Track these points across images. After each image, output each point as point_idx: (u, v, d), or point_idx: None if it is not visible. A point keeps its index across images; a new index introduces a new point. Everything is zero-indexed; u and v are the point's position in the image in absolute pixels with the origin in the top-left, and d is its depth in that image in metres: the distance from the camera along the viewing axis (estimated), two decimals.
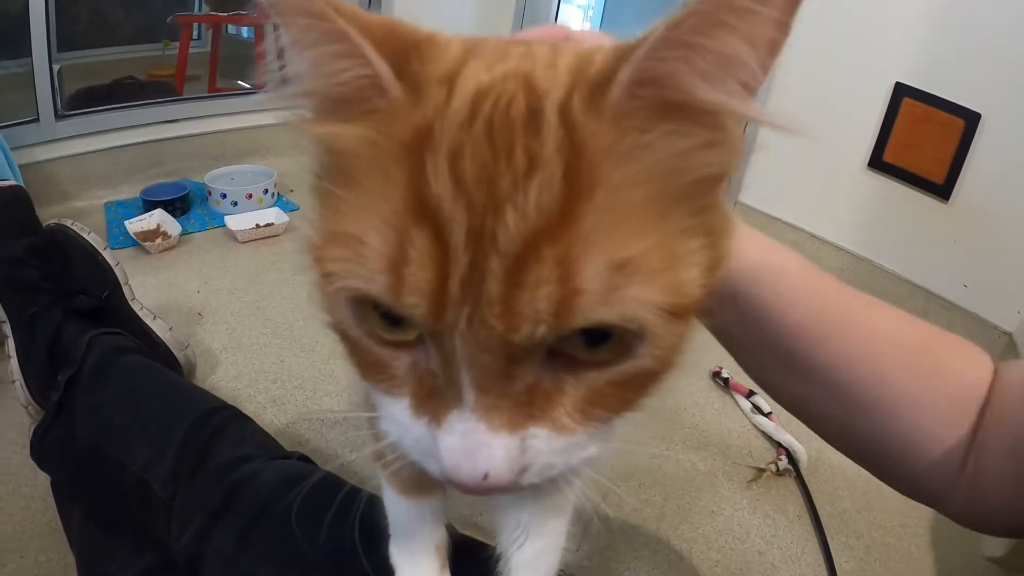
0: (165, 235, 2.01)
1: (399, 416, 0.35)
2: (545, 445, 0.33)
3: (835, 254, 2.31)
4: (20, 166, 1.74)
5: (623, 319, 0.29)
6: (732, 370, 1.70)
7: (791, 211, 2.36)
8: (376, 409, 0.54)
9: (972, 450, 0.57)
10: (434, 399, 0.33)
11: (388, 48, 0.31)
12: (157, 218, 2.07)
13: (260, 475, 0.87)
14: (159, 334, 1.35)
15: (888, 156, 2.19)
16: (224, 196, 2.22)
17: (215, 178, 2.30)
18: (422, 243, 0.28)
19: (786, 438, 1.52)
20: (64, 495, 1.09)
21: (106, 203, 2.22)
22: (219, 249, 2.06)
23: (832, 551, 1.28)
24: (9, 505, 1.16)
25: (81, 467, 1.00)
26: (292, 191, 2.45)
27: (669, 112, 0.29)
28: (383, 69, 0.30)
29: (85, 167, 2.23)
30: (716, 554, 1.26)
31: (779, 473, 1.45)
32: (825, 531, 1.32)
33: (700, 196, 0.32)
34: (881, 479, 0.66)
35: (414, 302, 0.29)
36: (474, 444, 0.32)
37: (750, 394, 1.65)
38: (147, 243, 1.96)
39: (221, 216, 2.18)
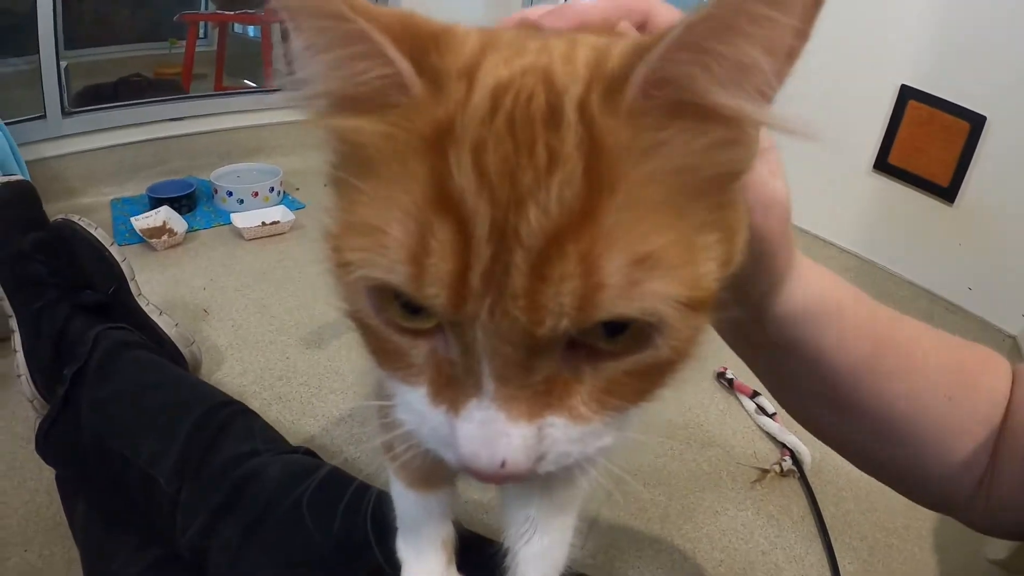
0: (171, 232, 2.02)
1: (416, 404, 0.35)
2: (562, 434, 0.33)
3: (840, 256, 2.31)
4: (26, 162, 1.75)
5: (643, 313, 0.29)
6: (736, 371, 1.70)
7: (796, 213, 2.31)
8: (388, 399, 0.55)
9: (992, 459, 0.58)
10: (452, 388, 0.33)
11: (406, 44, 0.31)
12: (163, 215, 2.08)
13: (266, 470, 0.87)
14: (165, 330, 1.36)
15: (893, 158, 2.19)
16: (230, 194, 2.23)
17: (221, 176, 2.30)
18: (444, 235, 0.29)
19: (790, 439, 1.52)
20: (69, 489, 1.09)
21: (112, 200, 2.23)
22: (225, 246, 2.07)
23: (836, 552, 1.28)
24: (13, 499, 1.17)
25: (86, 461, 1.01)
26: (298, 189, 2.46)
27: (684, 111, 0.29)
28: (405, 68, 0.30)
29: (91, 164, 2.24)
30: (720, 554, 1.26)
31: (783, 474, 1.45)
32: (829, 532, 1.32)
33: (717, 192, 0.32)
34: (900, 492, 0.66)
35: (435, 292, 0.29)
36: (492, 432, 0.32)
37: (754, 395, 1.64)
38: (153, 240, 1.97)
39: (227, 214, 2.19)
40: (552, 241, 0.28)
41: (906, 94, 2.12)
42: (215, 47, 3.45)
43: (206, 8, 3.90)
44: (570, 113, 0.29)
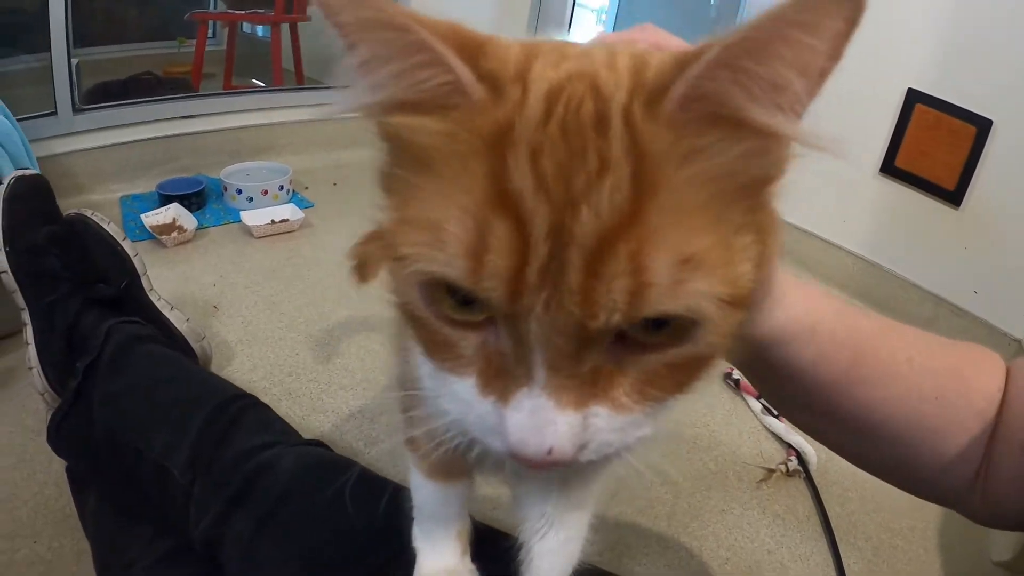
0: (181, 229, 2.03)
1: (463, 394, 0.36)
2: (605, 423, 0.34)
3: (846, 259, 2.32)
4: (37, 158, 1.75)
5: (688, 310, 0.31)
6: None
7: (803, 216, 2.36)
8: (413, 390, 0.56)
9: (988, 451, 0.59)
10: (501, 379, 0.34)
11: (463, 52, 0.32)
12: (173, 212, 2.08)
13: (280, 462, 0.88)
14: (176, 325, 1.36)
15: (900, 162, 2.20)
16: (240, 192, 2.24)
17: (231, 174, 2.31)
18: (503, 232, 0.30)
19: (796, 439, 1.53)
20: (79, 482, 1.10)
21: (122, 197, 2.24)
22: (234, 244, 2.08)
23: (841, 552, 1.29)
24: (23, 491, 1.17)
25: (98, 454, 1.01)
26: (307, 188, 2.48)
27: (721, 122, 0.31)
28: (466, 75, 0.32)
29: (101, 161, 2.25)
30: (726, 552, 1.27)
31: (789, 474, 1.46)
32: (834, 532, 1.33)
33: (751, 197, 0.34)
34: (900, 488, 0.67)
35: (493, 286, 0.31)
36: (541, 421, 0.33)
37: (760, 395, 1.65)
38: (163, 237, 1.98)
39: (236, 211, 2.20)
40: (604, 241, 0.30)
41: (913, 98, 2.13)
42: (224, 46, 3.47)
43: (215, 7, 3.92)
44: (616, 120, 0.31)
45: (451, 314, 0.34)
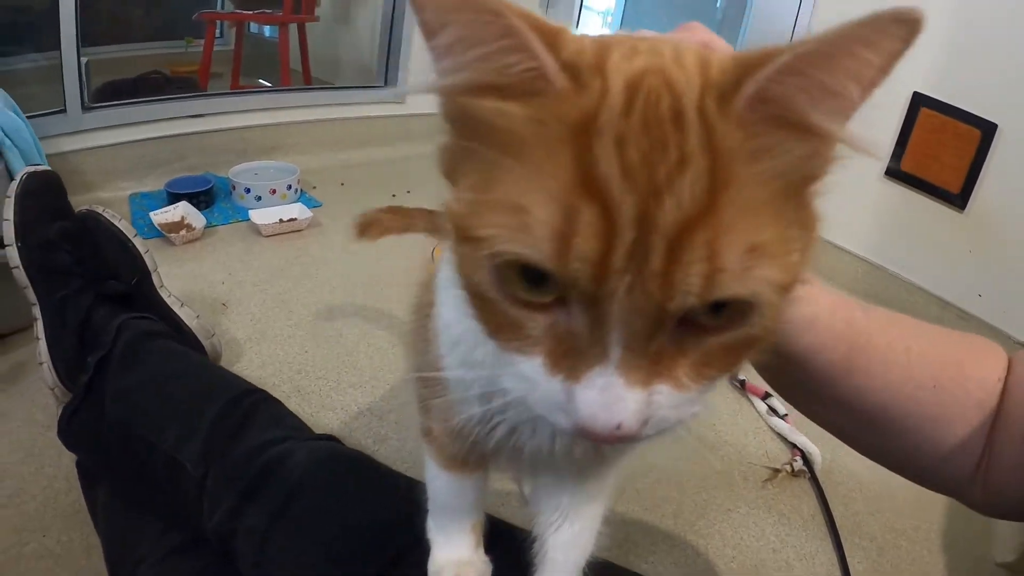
0: (189, 227, 2.04)
1: (530, 373, 0.37)
2: (666, 400, 0.36)
3: (852, 262, 2.33)
4: (47, 156, 1.75)
5: (752, 294, 0.33)
6: (748, 373, 1.71)
7: None
8: (433, 376, 0.57)
9: (989, 442, 0.60)
10: (570, 358, 0.36)
11: (546, 40, 0.33)
12: (182, 210, 2.10)
13: (293, 455, 0.88)
14: (186, 321, 1.37)
15: (905, 165, 2.20)
16: (248, 190, 2.25)
17: (239, 173, 2.32)
18: (591, 217, 0.32)
19: (801, 440, 1.53)
20: (89, 476, 1.10)
21: (130, 195, 2.25)
22: (243, 242, 2.09)
23: (845, 552, 1.30)
24: (32, 485, 1.18)
25: (109, 447, 1.02)
26: (315, 188, 2.49)
27: (783, 124, 0.33)
28: (551, 63, 0.33)
29: (110, 159, 2.26)
30: (732, 550, 1.27)
31: (794, 474, 1.47)
32: (839, 532, 1.34)
33: (801, 193, 0.36)
34: (903, 476, 0.68)
35: (579, 268, 0.32)
36: (612, 398, 0.35)
37: (766, 396, 1.66)
38: (171, 235, 1.98)
39: (245, 210, 2.21)
40: (684, 229, 0.31)
41: (919, 101, 2.14)
42: (231, 47, 3.49)
43: (223, 8, 3.93)
44: (691, 116, 0.32)
45: (522, 295, 0.35)
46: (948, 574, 1.33)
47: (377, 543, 0.78)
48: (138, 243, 1.37)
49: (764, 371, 0.66)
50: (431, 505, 0.72)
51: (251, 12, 3.51)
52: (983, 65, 2.01)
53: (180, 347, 1.19)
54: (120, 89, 2.67)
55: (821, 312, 0.60)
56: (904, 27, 0.31)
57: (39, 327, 1.24)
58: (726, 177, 0.32)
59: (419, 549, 0.72)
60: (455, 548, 0.71)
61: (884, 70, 0.33)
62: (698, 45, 0.39)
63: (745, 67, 0.32)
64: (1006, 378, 0.61)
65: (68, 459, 1.19)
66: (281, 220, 2.16)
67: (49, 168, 1.34)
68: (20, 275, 1.23)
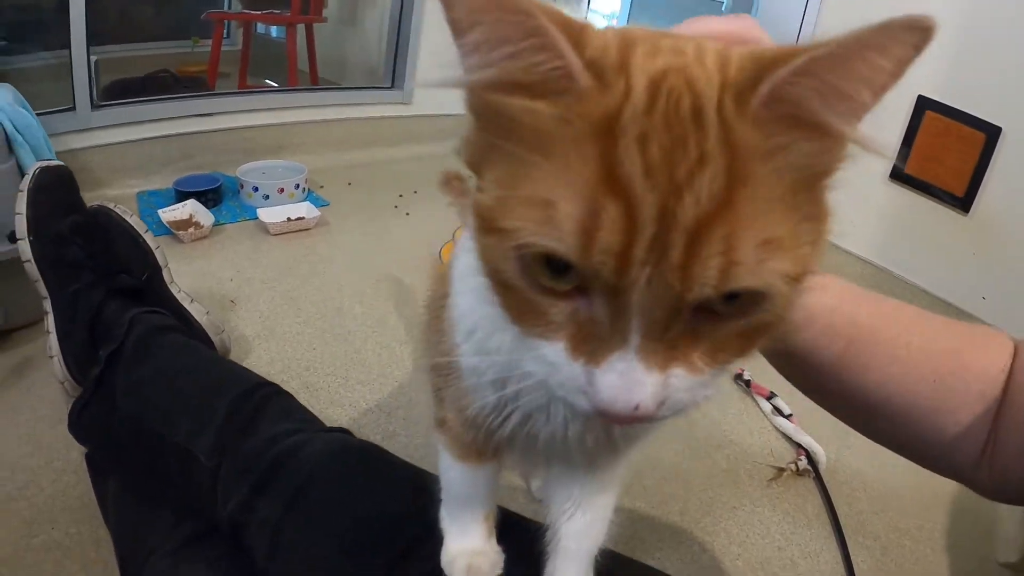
0: (198, 225, 2.05)
1: (552, 357, 0.39)
2: (681, 383, 0.37)
3: (856, 265, 2.34)
4: (55, 153, 1.75)
5: (765, 286, 0.34)
6: (753, 373, 1.73)
7: None
8: (446, 363, 0.58)
9: (994, 428, 0.62)
10: (591, 343, 0.37)
11: (571, 39, 0.35)
12: (190, 208, 2.11)
13: (307, 446, 0.89)
14: (196, 317, 1.37)
15: (910, 168, 2.21)
16: (256, 189, 2.26)
17: (247, 172, 2.33)
18: (615, 212, 0.33)
19: (806, 439, 1.54)
20: (99, 469, 1.11)
21: (138, 192, 2.26)
22: (251, 240, 2.10)
23: (850, 550, 1.31)
24: (41, 478, 1.19)
25: (120, 440, 1.03)
26: (322, 187, 2.50)
27: (797, 123, 0.34)
28: (576, 63, 0.34)
29: (118, 156, 2.27)
30: (737, 547, 1.28)
31: (799, 473, 1.48)
32: (843, 531, 1.35)
33: (813, 188, 0.37)
34: (915, 462, 0.71)
35: (603, 260, 0.33)
36: (631, 381, 0.36)
37: (771, 396, 1.67)
38: (180, 232, 2.00)
39: (253, 209, 2.22)
40: (702, 224, 0.33)
41: (924, 104, 2.15)
42: (238, 47, 3.50)
43: (230, 8, 3.95)
44: (710, 115, 0.34)
45: (546, 283, 0.37)
46: (952, 574, 1.33)
47: (388, 535, 0.78)
48: (149, 239, 1.37)
49: (771, 358, 0.68)
50: (444, 495, 0.73)
51: (259, 12, 3.52)
52: (988, 69, 2.02)
53: (191, 341, 1.19)
54: (128, 88, 2.68)
55: (821, 311, 0.62)
56: (916, 34, 0.32)
57: (50, 321, 1.24)
58: (743, 174, 0.33)
59: (430, 541, 0.73)
60: (468, 538, 0.71)
61: (895, 75, 0.34)
62: (744, 31, 0.40)
63: (762, 67, 0.34)
64: (1012, 365, 0.62)
65: (76, 453, 1.19)
66: (289, 219, 2.17)
67: (62, 163, 1.35)
68: (32, 269, 1.23)
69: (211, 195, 2.21)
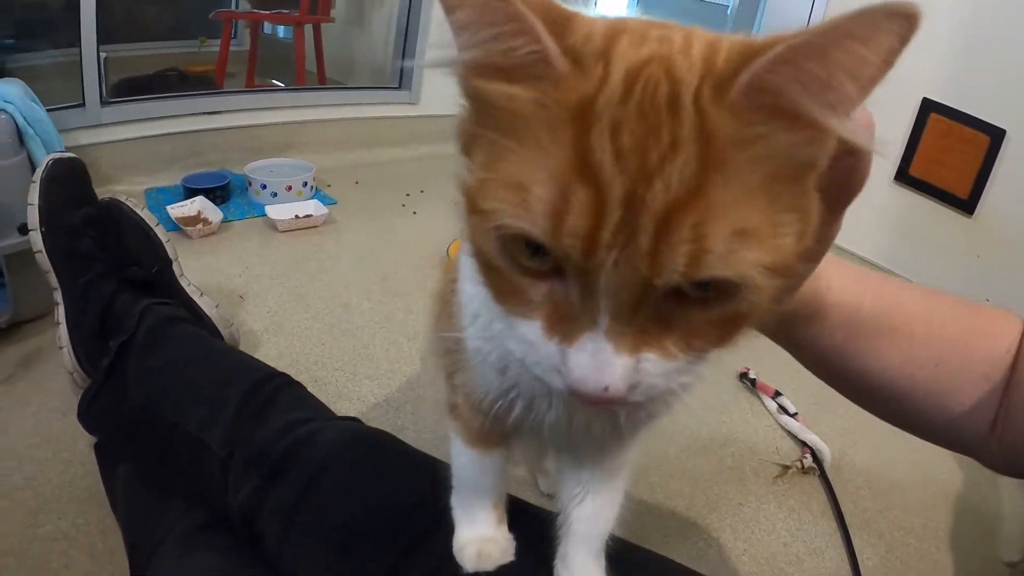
0: (206, 221, 2.06)
1: (529, 336, 0.40)
2: (654, 368, 0.38)
3: (860, 266, 2.34)
4: (65, 148, 1.76)
5: (737, 276, 0.34)
6: (758, 371, 1.74)
7: None
8: (456, 346, 0.59)
9: (1002, 406, 0.63)
10: (565, 323, 0.38)
11: (552, 26, 0.35)
12: (198, 205, 2.12)
13: (319, 435, 0.89)
14: (206, 311, 1.37)
15: (914, 170, 2.22)
16: (264, 187, 2.27)
17: (255, 169, 2.35)
18: (584, 197, 0.34)
19: (811, 438, 1.55)
20: (109, 458, 1.11)
21: (146, 189, 2.27)
22: (259, 237, 2.11)
23: (855, 547, 1.31)
24: (48, 469, 1.19)
25: (131, 429, 1.03)
26: (329, 186, 2.51)
27: (778, 112, 0.34)
28: (552, 48, 0.35)
29: (127, 153, 2.28)
30: (743, 544, 1.29)
31: (804, 471, 1.48)
32: (848, 528, 1.35)
33: (797, 180, 0.37)
34: (925, 440, 0.72)
35: (571, 244, 0.34)
36: (601, 362, 0.37)
37: (776, 395, 1.68)
38: (188, 228, 2.00)
39: (261, 206, 2.23)
40: (672, 211, 0.33)
41: (928, 107, 2.16)
42: (245, 47, 3.51)
43: (237, 7, 3.96)
44: (687, 104, 0.34)
45: (524, 263, 0.38)
46: (956, 572, 1.34)
47: (400, 522, 0.78)
48: (160, 232, 1.37)
49: (778, 341, 0.69)
50: (455, 482, 0.74)
51: (267, 12, 3.53)
52: (992, 72, 2.03)
53: (203, 332, 1.20)
54: (137, 86, 2.70)
55: (823, 303, 0.63)
56: (898, 22, 0.32)
57: (60, 312, 1.24)
58: (717, 162, 0.33)
59: (442, 529, 0.73)
60: (478, 525, 0.72)
61: (883, 67, 0.33)
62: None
63: (745, 56, 0.34)
64: (1020, 343, 0.64)
65: (84, 444, 1.20)
66: (297, 216, 2.19)
67: (73, 155, 1.35)
68: (43, 260, 1.23)
69: (219, 192, 2.22)
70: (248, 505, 0.86)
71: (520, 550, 0.72)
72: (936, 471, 1.57)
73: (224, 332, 1.40)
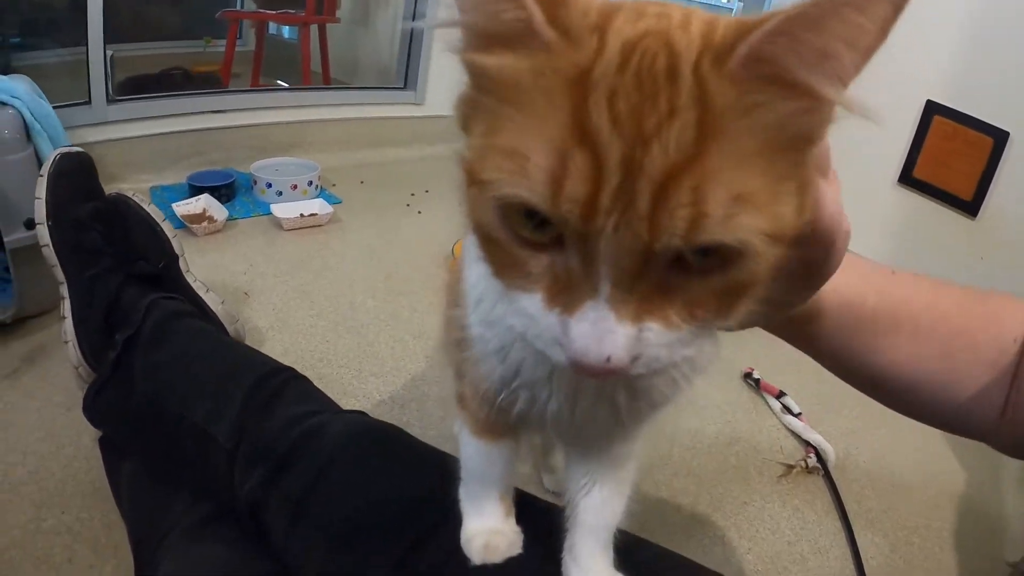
0: (211, 219, 2.06)
1: (530, 308, 0.40)
2: (656, 338, 0.38)
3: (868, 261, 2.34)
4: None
5: (737, 241, 0.34)
6: (763, 371, 1.74)
7: None
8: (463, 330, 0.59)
9: (1012, 390, 0.64)
10: (565, 294, 0.38)
11: None
12: (204, 202, 2.12)
13: (327, 426, 0.89)
14: (211, 307, 1.38)
15: (918, 172, 2.22)
16: (269, 185, 2.28)
17: (261, 168, 2.35)
18: (582, 162, 0.34)
19: (815, 437, 1.55)
20: (113, 452, 1.11)
21: (151, 187, 2.28)
22: (264, 235, 2.11)
23: (859, 547, 1.31)
24: (51, 463, 1.19)
25: (137, 422, 1.03)
26: (335, 185, 2.51)
27: (776, 82, 0.34)
28: (537, 15, 0.35)
29: (132, 151, 2.29)
30: (748, 542, 1.29)
31: (808, 470, 1.48)
32: (852, 527, 1.35)
33: (795, 152, 0.37)
34: (936, 428, 0.73)
35: (570, 209, 0.34)
36: (602, 330, 0.37)
37: (780, 395, 1.68)
38: (193, 226, 2.01)
39: (266, 205, 2.24)
40: (670, 175, 0.33)
41: (932, 109, 2.16)
42: (250, 47, 3.52)
43: (242, 8, 3.97)
44: (686, 73, 0.34)
45: (524, 234, 0.38)
46: (959, 572, 1.34)
47: (411, 514, 0.78)
48: (166, 228, 1.38)
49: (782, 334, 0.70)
50: (463, 474, 0.74)
51: (274, 12, 3.54)
52: (996, 74, 2.03)
53: (209, 327, 1.20)
54: (142, 84, 2.71)
55: (829, 308, 0.63)
56: None
57: (66, 306, 1.24)
58: (715, 129, 0.34)
59: (450, 522, 0.73)
60: (486, 517, 0.72)
61: (879, 36, 0.34)
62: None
63: (742, 30, 0.34)
64: None
65: (88, 439, 1.21)
66: (302, 215, 2.19)
67: (81, 150, 1.35)
68: (49, 253, 1.23)
69: (224, 190, 2.22)
70: (255, 497, 0.86)
71: (528, 543, 0.72)
72: (939, 471, 1.58)
73: (230, 328, 1.41)
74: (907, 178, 2.25)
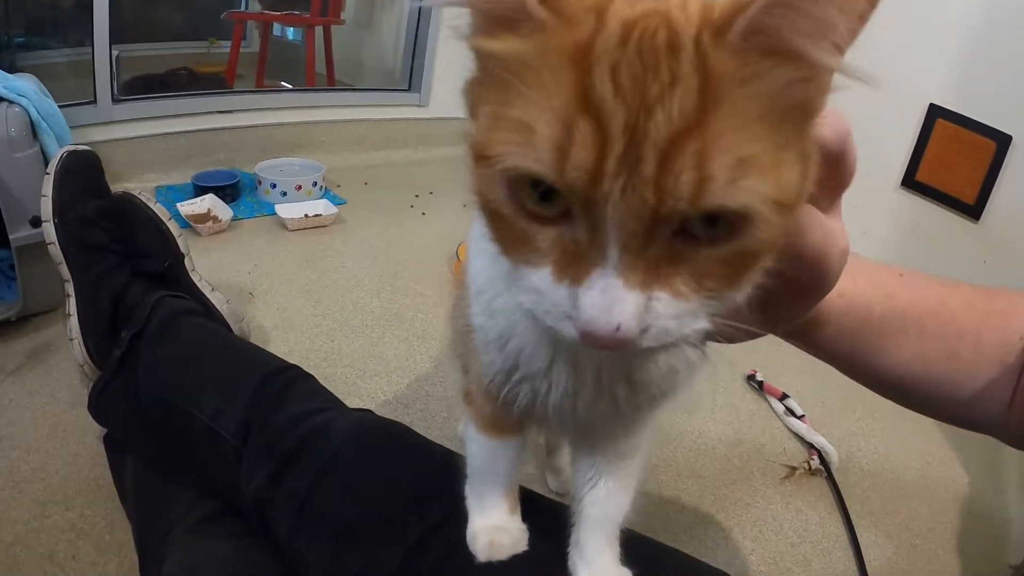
0: (216, 219, 2.07)
1: (539, 283, 0.40)
2: (665, 309, 0.38)
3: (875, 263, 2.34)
4: None
5: (742, 205, 0.35)
6: (766, 374, 1.74)
7: None
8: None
9: (1019, 384, 0.64)
10: (574, 265, 0.38)
11: None
12: (208, 202, 2.13)
13: (333, 424, 0.90)
14: (217, 306, 1.38)
15: (921, 176, 2.22)
16: (274, 186, 2.28)
17: (265, 168, 2.36)
18: (586, 129, 0.34)
19: (818, 439, 1.55)
20: (118, 449, 1.12)
21: (156, 187, 2.28)
22: (269, 235, 2.12)
23: (862, 548, 1.31)
24: (55, 460, 1.20)
25: (142, 419, 1.04)
26: (339, 186, 2.51)
27: (775, 52, 0.35)
28: None
29: (138, 150, 2.29)
30: (751, 543, 1.29)
31: (811, 472, 1.48)
32: (855, 530, 1.35)
33: (797, 121, 0.38)
34: (943, 421, 0.75)
35: (576, 176, 0.35)
36: (612, 298, 0.37)
37: (783, 397, 1.68)
38: (198, 225, 2.01)
39: (270, 205, 2.24)
40: (673, 140, 0.34)
41: (935, 112, 2.16)
42: (255, 48, 3.53)
43: (247, 9, 3.98)
44: (687, 44, 0.35)
45: (531, 208, 0.38)
46: (962, 574, 1.34)
47: (417, 510, 0.79)
48: (172, 227, 1.38)
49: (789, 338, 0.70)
50: (469, 470, 0.74)
51: (279, 13, 3.55)
52: (998, 77, 2.03)
53: (215, 325, 1.21)
54: (148, 84, 2.72)
55: (836, 313, 0.63)
56: None
57: (71, 304, 1.24)
58: (716, 96, 0.34)
59: (454, 519, 0.74)
60: (491, 514, 0.72)
61: (871, 2, 0.34)
62: None
63: (739, 6, 0.35)
64: None
65: (92, 436, 1.21)
66: (307, 215, 2.19)
67: (88, 148, 1.36)
68: (55, 251, 1.23)
69: (229, 190, 2.23)
70: (261, 493, 0.86)
71: (535, 540, 0.72)
72: (942, 474, 1.58)
73: (235, 327, 1.41)
74: (910, 181, 2.25)
